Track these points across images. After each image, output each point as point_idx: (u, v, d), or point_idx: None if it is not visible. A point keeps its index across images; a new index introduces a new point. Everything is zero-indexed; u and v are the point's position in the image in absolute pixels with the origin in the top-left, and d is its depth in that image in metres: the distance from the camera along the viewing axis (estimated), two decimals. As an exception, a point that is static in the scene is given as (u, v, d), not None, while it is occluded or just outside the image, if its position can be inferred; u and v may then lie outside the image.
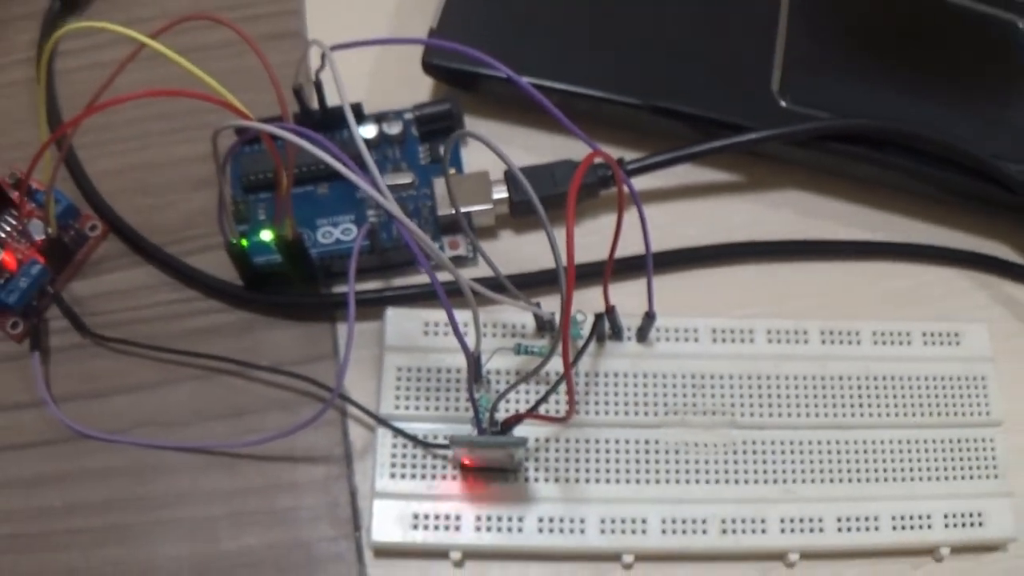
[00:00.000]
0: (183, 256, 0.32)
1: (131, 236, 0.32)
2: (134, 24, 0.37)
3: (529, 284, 0.31)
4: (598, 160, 0.25)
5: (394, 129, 0.33)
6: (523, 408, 0.28)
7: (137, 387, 0.31)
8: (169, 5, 0.36)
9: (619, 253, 0.26)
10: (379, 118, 0.33)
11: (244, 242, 0.29)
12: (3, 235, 0.32)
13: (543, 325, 0.30)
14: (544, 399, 0.26)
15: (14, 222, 0.32)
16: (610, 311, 0.29)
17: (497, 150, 0.25)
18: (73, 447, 0.30)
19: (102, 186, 0.33)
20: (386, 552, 0.28)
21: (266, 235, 0.31)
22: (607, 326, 0.30)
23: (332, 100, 0.32)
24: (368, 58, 0.35)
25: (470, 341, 0.26)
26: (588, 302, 0.29)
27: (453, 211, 0.31)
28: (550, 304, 0.30)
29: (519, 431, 0.27)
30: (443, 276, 0.25)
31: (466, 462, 0.28)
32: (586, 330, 0.29)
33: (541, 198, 0.24)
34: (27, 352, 0.31)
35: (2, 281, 0.31)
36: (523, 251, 0.32)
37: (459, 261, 0.32)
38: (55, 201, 0.31)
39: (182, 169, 0.34)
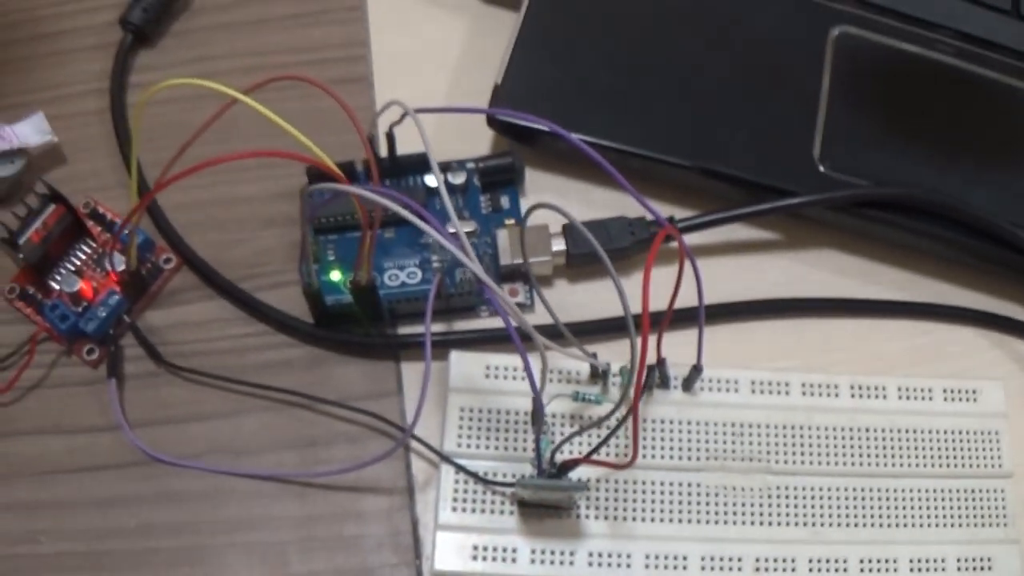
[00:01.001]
0: (254, 291, 0.34)
1: (204, 270, 0.34)
2: (205, 61, 0.39)
3: (583, 332, 0.33)
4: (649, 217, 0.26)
5: (458, 179, 0.34)
6: (577, 451, 0.31)
7: (209, 416, 0.32)
8: (238, 43, 0.38)
9: (658, 306, 0.27)
10: (444, 167, 0.35)
11: (318, 283, 0.31)
12: (80, 264, 0.34)
13: (597, 373, 0.32)
14: (602, 444, 0.28)
15: (89, 251, 0.34)
16: (661, 363, 0.31)
17: (569, 216, 0.28)
18: (147, 470, 0.32)
19: (175, 219, 0.35)
20: (445, 580, 0.30)
21: (335, 275, 0.32)
22: (656, 376, 0.32)
23: (401, 149, 0.34)
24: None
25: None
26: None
27: (515, 261, 0.33)
28: (603, 350, 0.32)
29: (575, 473, 0.29)
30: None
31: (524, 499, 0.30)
32: (638, 380, 0.31)
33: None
34: (102, 377, 0.32)
35: (80, 309, 0.33)
36: (576, 299, 0.34)
37: (518, 308, 0.33)
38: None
39: (253, 207, 0.35)
